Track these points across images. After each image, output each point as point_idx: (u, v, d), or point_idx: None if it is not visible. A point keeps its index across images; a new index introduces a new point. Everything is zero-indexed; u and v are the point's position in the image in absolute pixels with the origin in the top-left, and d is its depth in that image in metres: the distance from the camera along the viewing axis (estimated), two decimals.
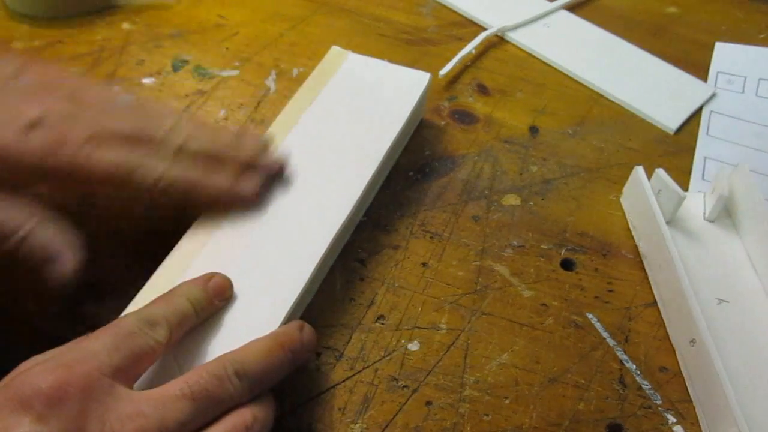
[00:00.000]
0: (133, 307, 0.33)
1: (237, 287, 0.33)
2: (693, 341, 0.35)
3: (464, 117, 0.50)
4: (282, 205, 0.37)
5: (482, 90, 0.52)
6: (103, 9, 0.53)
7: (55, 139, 0.31)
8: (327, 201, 0.38)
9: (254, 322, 0.32)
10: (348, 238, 0.41)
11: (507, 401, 0.34)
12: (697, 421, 0.34)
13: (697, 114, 0.52)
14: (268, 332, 0.31)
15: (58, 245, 0.31)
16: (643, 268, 0.41)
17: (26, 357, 0.26)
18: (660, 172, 0.41)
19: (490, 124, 0.49)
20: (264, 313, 0.32)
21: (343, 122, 0.42)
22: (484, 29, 0.56)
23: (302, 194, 0.38)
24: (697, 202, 0.43)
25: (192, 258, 0.34)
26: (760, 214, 0.40)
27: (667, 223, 0.39)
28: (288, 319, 0.33)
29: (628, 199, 0.44)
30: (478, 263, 0.40)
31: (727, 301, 0.38)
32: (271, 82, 0.50)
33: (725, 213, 0.43)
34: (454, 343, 0.36)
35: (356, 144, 0.41)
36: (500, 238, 0.42)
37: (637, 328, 0.38)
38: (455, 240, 0.41)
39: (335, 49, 0.47)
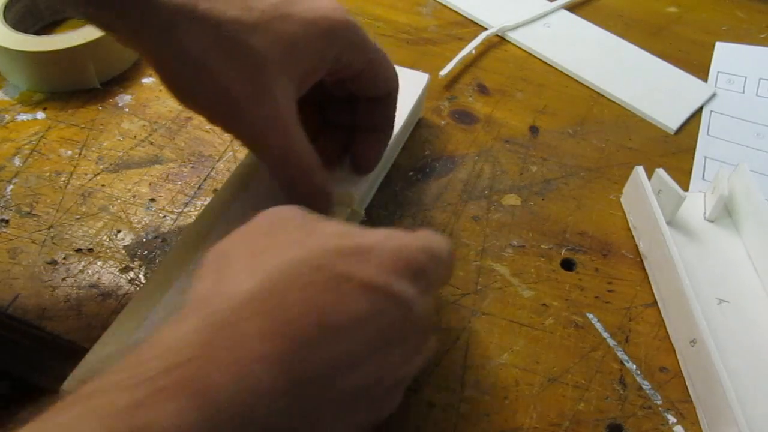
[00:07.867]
0: (128, 309, 0.33)
1: None
2: (693, 341, 0.35)
3: (464, 117, 0.50)
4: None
5: (482, 90, 0.52)
6: None
7: None
8: None
9: None
10: None
11: (507, 401, 0.34)
12: (698, 421, 0.34)
13: (697, 114, 0.52)
14: None
15: None
16: (643, 268, 0.41)
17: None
18: (660, 172, 0.41)
19: (490, 124, 0.49)
20: None
21: None
22: (485, 29, 0.56)
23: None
24: (697, 202, 0.43)
25: (183, 267, 0.34)
26: (760, 214, 0.40)
27: (667, 223, 0.39)
28: None
29: (628, 199, 0.44)
30: (478, 263, 0.40)
31: (727, 301, 0.38)
32: None
33: (725, 213, 0.43)
34: (454, 343, 0.36)
35: None
36: (500, 238, 0.42)
37: (637, 328, 0.38)
38: (455, 240, 0.41)
39: None
